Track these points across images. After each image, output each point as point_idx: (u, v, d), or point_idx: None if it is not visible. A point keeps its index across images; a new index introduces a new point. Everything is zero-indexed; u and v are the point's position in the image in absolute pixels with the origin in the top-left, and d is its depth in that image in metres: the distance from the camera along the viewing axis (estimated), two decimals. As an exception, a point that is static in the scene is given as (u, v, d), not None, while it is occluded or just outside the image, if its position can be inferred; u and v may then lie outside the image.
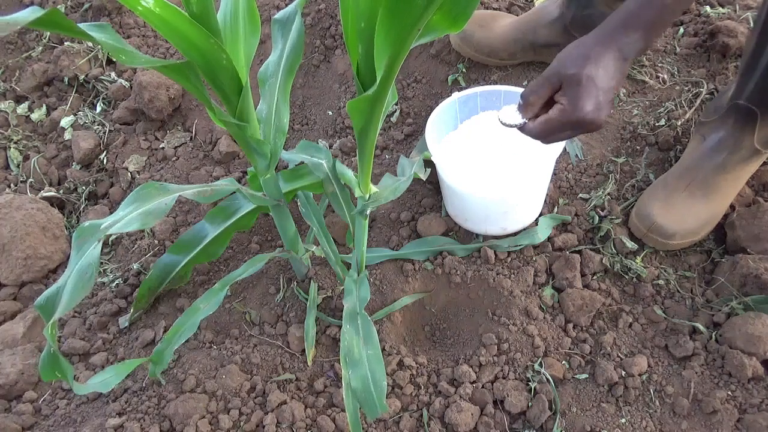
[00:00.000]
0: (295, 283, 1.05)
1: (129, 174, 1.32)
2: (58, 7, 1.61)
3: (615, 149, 1.15)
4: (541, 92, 0.74)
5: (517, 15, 1.31)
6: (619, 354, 0.92)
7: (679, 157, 1.09)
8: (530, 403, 0.89)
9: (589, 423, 0.86)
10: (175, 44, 0.65)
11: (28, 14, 0.48)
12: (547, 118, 0.74)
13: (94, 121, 1.42)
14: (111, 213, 0.98)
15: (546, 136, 0.76)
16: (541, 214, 1.07)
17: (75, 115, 1.44)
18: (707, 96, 1.19)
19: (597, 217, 1.06)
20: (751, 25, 1.24)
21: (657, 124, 1.17)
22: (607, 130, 1.18)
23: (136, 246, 1.19)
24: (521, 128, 0.77)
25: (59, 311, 0.67)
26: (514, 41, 1.23)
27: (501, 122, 0.78)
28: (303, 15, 1.45)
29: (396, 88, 1.21)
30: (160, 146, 1.37)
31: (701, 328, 0.92)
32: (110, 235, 1.23)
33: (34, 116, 1.47)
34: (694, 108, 1.18)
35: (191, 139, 1.38)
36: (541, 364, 0.92)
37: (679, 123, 1.16)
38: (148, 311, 1.07)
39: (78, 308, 1.11)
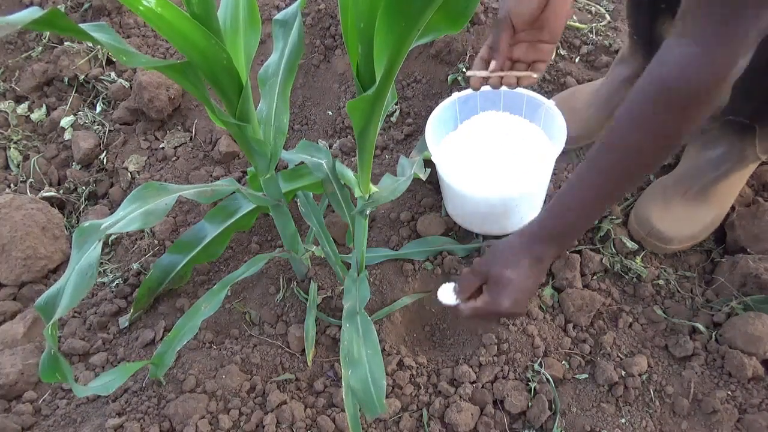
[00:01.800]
0: (294, 283, 1.05)
1: (129, 174, 1.32)
2: (58, 7, 1.61)
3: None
4: (472, 282, 0.85)
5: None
6: (619, 354, 0.92)
7: (679, 158, 1.09)
8: (530, 403, 0.89)
9: (589, 423, 0.86)
10: (176, 44, 0.65)
11: (28, 15, 0.48)
12: (474, 306, 0.83)
13: (94, 121, 1.42)
14: (111, 213, 0.98)
15: (474, 318, 0.88)
16: (541, 214, 1.07)
17: (75, 115, 1.44)
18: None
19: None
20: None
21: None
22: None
23: (136, 246, 1.19)
24: (455, 308, 0.87)
25: (59, 312, 0.67)
26: (597, 119, 1.17)
27: (438, 299, 0.88)
28: (303, 15, 1.45)
29: (396, 88, 1.22)
30: (160, 146, 1.37)
31: (701, 328, 0.92)
32: (110, 235, 1.23)
33: (34, 116, 1.47)
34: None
35: (191, 139, 1.38)
36: (541, 364, 0.92)
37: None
38: (148, 311, 1.07)
39: (78, 308, 1.11)
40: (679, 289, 0.99)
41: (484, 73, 0.93)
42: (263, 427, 0.87)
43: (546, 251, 0.82)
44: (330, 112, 1.36)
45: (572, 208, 0.80)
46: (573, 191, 0.80)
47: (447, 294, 0.88)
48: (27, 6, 1.65)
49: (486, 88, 0.97)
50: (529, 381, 0.91)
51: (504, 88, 0.98)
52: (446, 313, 1.01)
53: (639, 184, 0.80)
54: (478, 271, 0.84)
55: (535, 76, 0.93)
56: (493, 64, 0.91)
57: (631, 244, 1.02)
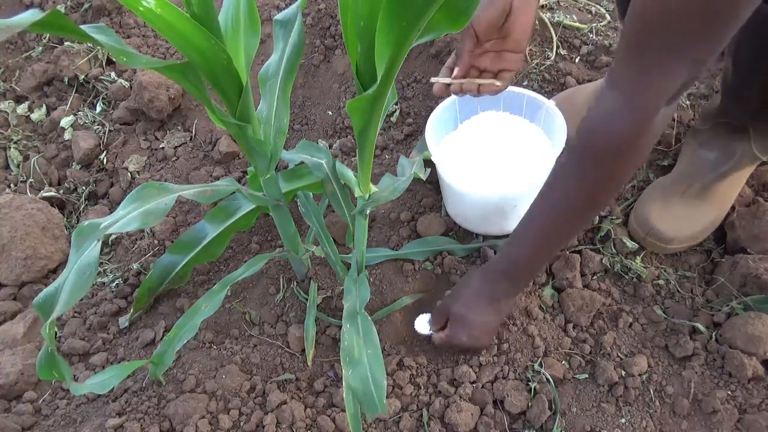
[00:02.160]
0: (295, 283, 1.05)
1: (129, 174, 1.32)
2: (58, 7, 1.61)
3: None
4: (439, 319, 0.93)
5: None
6: (619, 354, 0.92)
7: (676, 157, 1.09)
8: (530, 403, 0.89)
9: (589, 423, 0.86)
10: (176, 45, 0.65)
11: (28, 17, 0.47)
12: (440, 337, 0.92)
13: (94, 121, 1.42)
14: (111, 213, 0.98)
15: (442, 348, 0.95)
16: (541, 214, 1.07)
17: (75, 115, 1.44)
18: (708, 96, 1.19)
19: (597, 217, 1.06)
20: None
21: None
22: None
23: (136, 246, 1.19)
24: (430, 338, 0.95)
25: (58, 310, 0.67)
26: None
27: (415, 328, 0.96)
28: (303, 15, 1.45)
29: (396, 87, 1.21)
30: (160, 146, 1.37)
31: (701, 328, 0.92)
32: (110, 235, 1.23)
33: (34, 116, 1.47)
34: (693, 107, 1.18)
35: (191, 139, 1.38)
36: (541, 364, 0.92)
37: (679, 123, 1.16)
38: (148, 311, 1.07)
39: (78, 308, 1.11)
40: (679, 289, 0.99)
41: (446, 80, 0.95)
42: (263, 427, 0.87)
43: (501, 291, 0.89)
44: (330, 112, 1.36)
45: (521, 250, 0.86)
46: (522, 233, 0.86)
47: (422, 324, 0.96)
48: (27, 6, 1.65)
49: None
50: (529, 381, 0.91)
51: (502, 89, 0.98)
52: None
53: (578, 232, 0.85)
54: (443, 309, 0.92)
55: (498, 84, 0.95)
56: (455, 71, 0.94)
57: (631, 244, 1.02)
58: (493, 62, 0.96)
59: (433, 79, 0.96)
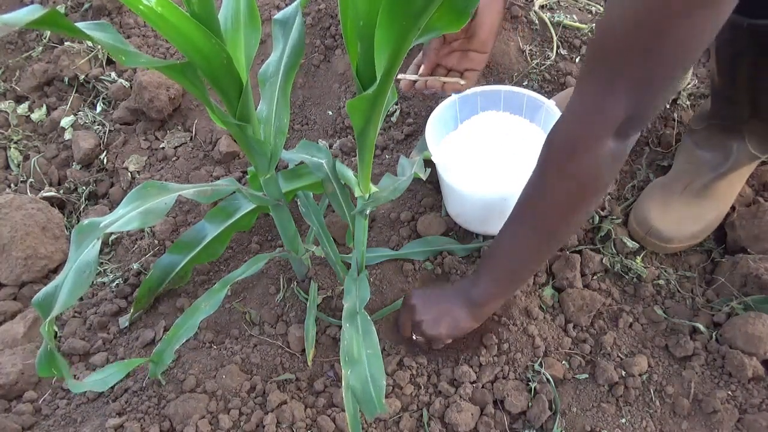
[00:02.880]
0: (295, 283, 1.05)
1: (129, 174, 1.32)
2: (58, 7, 1.61)
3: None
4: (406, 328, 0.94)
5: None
6: (620, 354, 0.92)
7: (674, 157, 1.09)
8: (530, 403, 0.89)
9: (589, 423, 0.86)
10: (176, 44, 0.65)
11: (27, 14, 0.47)
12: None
13: (95, 121, 1.42)
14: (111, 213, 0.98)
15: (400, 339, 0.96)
16: (541, 214, 1.07)
17: (75, 115, 1.44)
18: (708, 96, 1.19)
19: (597, 217, 1.06)
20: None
21: (657, 124, 1.17)
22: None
23: (136, 246, 1.19)
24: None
25: (57, 309, 0.67)
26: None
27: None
28: (303, 15, 1.45)
29: (396, 87, 1.21)
30: (161, 146, 1.37)
31: (701, 328, 0.92)
32: (110, 235, 1.23)
33: (35, 116, 1.47)
34: (694, 107, 1.18)
35: (191, 139, 1.38)
36: (541, 364, 0.92)
37: (679, 123, 1.16)
38: (148, 311, 1.07)
39: (78, 308, 1.11)
40: (679, 289, 0.99)
41: (412, 77, 0.98)
42: (263, 427, 0.87)
43: (459, 287, 0.90)
44: (330, 112, 1.36)
45: (496, 271, 0.85)
46: (495, 256, 0.85)
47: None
48: (27, 5, 1.65)
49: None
50: (530, 381, 0.91)
51: (504, 87, 0.98)
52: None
53: (555, 247, 0.84)
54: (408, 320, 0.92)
55: (462, 82, 0.97)
56: (421, 69, 0.96)
57: (631, 244, 1.02)
58: (459, 61, 0.98)
59: (399, 76, 0.98)
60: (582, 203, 0.74)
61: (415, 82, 0.99)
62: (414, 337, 0.93)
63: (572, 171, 0.71)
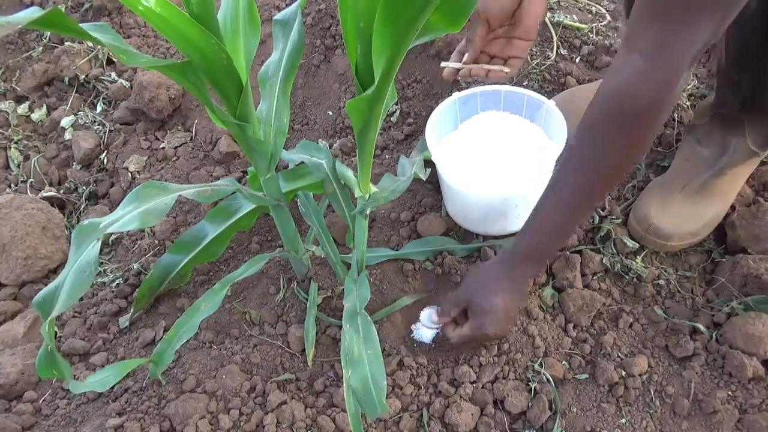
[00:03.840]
0: (295, 283, 1.05)
1: (129, 174, 1.32)
2: (59, 7, 1.61)
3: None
4: (454, 310, 0.90)
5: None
6: (620, 354, 0.92)
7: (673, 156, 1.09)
8: (530, 404, 0.89)
9: (589, 423, 0.86)
10: (176, 44, 0.65)
11: (29, 14, 0.48)
12: (461, 333, 0.88)
13: (95, 121, 1.42)
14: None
15: (460, 344, 0.92)
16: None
17: (75, 115, 1.44)
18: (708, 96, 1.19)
19: (597, 217, 1.05)
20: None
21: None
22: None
23: (136, 246, 1.19)
24: (438, 333, 0.95)
25: (57, 309, 0.67)
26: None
27: (421, 323, 0.95)
28: (303, 15, 1.45)
29: (396, 87, 1.22)
30: (161, 146, 1.37)
31: (702, 328, 0.92)
32: (110, 235, 1.23)
33: (35, 116, 1.47)
34: (694, 107, 1.18)
35: (191, 139, 1.38)
36: (541, 364, 0.92)
37: (680, 123, 1.16)
38: (149, 311, 1.07)
39: (78, 308, 1.11)
40: (679, 289, 0.99)
41: (456, 65, 0.96)
42: (263, 427, 0.87)
43: (524, 273, 0.87)
44: (330, 112, 1.36)
45: (543, 228, 0.84)
46: (543, 211, 0.83)
47: (429, 319, 0.93)
48: (27, 6, 1.65)
49: (488, 87, 0.98)
50: (530, 381, 0.91)
51: (504, 87, 0.98)
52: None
53: (605, 197, 0.82)
54: (459, 300, 0.89)
55: (506, 70, 0.96)
56: (465, 57, 0.95)
57: (631, 244, 1.02)
58: (503, 49, 0.97)
59: (443, 64, 0.96)
60: (655, 134, 0.74)
61: (458, 70, 0.97)
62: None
63: (661, 111, 0.70)
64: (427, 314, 0.94)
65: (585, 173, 0.77)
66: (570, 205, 0.81)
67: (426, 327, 0.94)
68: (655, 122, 0.72)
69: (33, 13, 0.48)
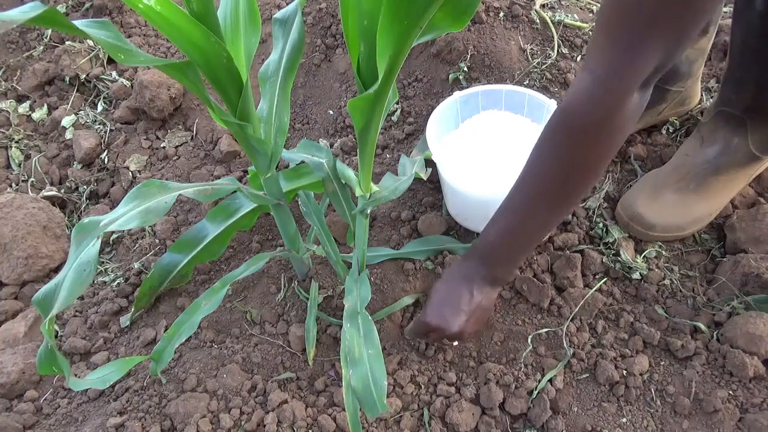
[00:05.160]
0: (296, 282, 1.05)
1: (130, 173, 1.32)
2: (59, 6, 1.61)
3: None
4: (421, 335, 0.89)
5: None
6: (620, 353, 0.92)
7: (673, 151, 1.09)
8: (531, 403, 0.89)
9: (590, 422, 0.86)
10: (176, 43, 0.65)
11: (25, 12, 0.48)
12: (414, 321, 0.89)
13: (96, 121, 1.42)
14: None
15: (417, 334, 0.90)
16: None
17: (76, 114, 1.44)
18: (708, 96, 1.19)
19: (597, 217, 1.05)
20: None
21: (656, 124, 1.16)
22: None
23: (137, 245, 1.19)
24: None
25: (57, 307, 0.66)
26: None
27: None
28: (304, 14, 1.45)
29: (397, 87, 1.21)
30: (161, 145, 1.37)
31: (702, 327, 0.92)
32: (112, 234, 1.23)
33: (36, 115, 1.47)
34: (692, 107, 1.17)
35: (192, 138, 1.38)
36: (542, 364, 0.91)
37: (678, 123, 1.16)
38: (149, 310, 1.08)
39: (79, 307, 1.11)
40: (680, 288, 0.99)
41: None
42: (264, 426, 0.87)
43: (476, 272, 0.85)
44: (331, 111, 1.36)
45: (497, 232, 0.83)
46: (500, 214, 0.83)
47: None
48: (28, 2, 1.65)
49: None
50: (530, 381, 0.90)
51: (505, 87, 0.97)
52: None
53: (556, 218, 0.81)
54: (423, 326, 0.87)
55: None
56: None
57: (619, 235, 1.02)
58: None
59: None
60: (608, 158, 0.74)
61: None
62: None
63: (605, 132, 0.71)
64: None
65: (540, 184, 0.78)
66: (524, 214, 0.81)
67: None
68: (602, 139, 0.72)
69: (29, 11, 0.47)
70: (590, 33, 1.33)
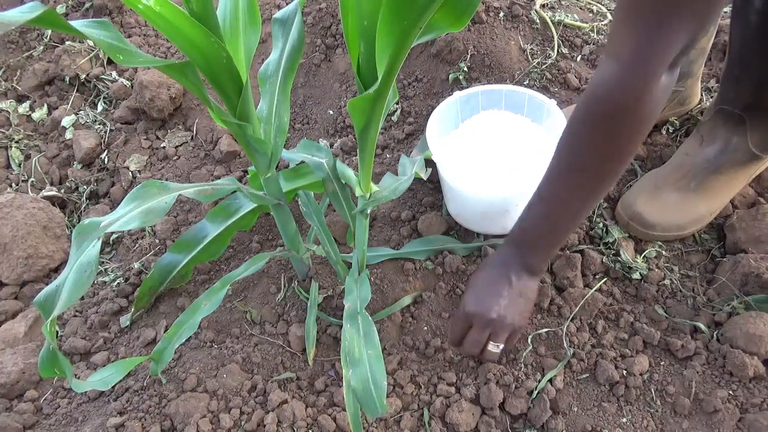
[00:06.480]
0: (296, 282, 1.05)
1: (130, 173, 1.32)
2: (59, 6, 1.61)
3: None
4: (462, 327, 0.86)
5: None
6: (620, 353, 0.92)
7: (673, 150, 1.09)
8: (531, 403, 0.89)
9: (590, 422, 0.86)
10: (176, 43, 0.65)
11: (24, 12, 0.48)
12: (455, 313, 0.88)
13: (96, 121, 1.42)
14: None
15: (460, 323, 0.86)
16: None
17: (76, 114, 1.44)
18: (708, 96, 1.19)
19: (598, 218, 1.05)
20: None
21: (656, 124, 1.16)
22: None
23: (137, 245, 1.19)
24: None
25: (58, 308, 0.66)
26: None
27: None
28: (304, 14, 1.45)
29: (397, 87, 1.21)
30: (161, 145, 1.37)
31: (702, 327, 0.92)
32: (112, 234, 1.23)
33: (36, 115, 1.47)
34: (692, 107, 1.17)
35: (192, 138, 1.38)
36: (542, 364, 0.91)
37: (678, 123, 1.16)
38: (149, 310, 1.08)
39: (79, 307, 1.11)
40: (680, 288, 0.99)
41: None
42: (264, 426, 0.87)
43: (512, 262, 0.84)
44: (331, 111, 1.36)
45: (532, 221, 0.83)
46: (533, 204, 0.83)
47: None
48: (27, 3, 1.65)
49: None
50: (530, 381, 0.90)
51: (505, 87, 0.97)
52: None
53: (590, 204, 0.81)
54: (463, 316, 0.85)
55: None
56: None
57: (618, 233, 1.02)
58: None
59: None
60: (638, 142, 0.74)
61: None
62: (491, 348, 0.86)
63: (636, 117, 0.71)
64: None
65: (572, 175, 0.78)
66: (557, 201, 0.81)
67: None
68: (633, 124, 0.72)
69: (28, 11, 0.47)
70: (591, 33, 1.34)
